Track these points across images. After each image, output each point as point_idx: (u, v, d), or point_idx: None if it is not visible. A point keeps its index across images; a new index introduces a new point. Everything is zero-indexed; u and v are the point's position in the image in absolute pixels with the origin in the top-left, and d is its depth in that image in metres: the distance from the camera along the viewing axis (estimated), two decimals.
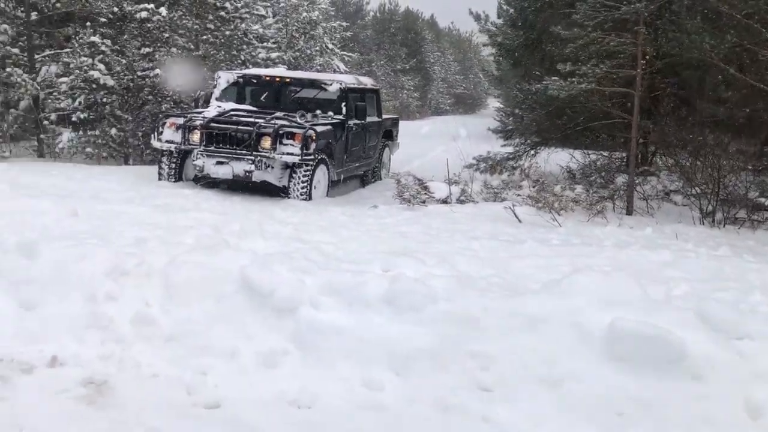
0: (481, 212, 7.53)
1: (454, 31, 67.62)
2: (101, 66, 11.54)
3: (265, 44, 15.00)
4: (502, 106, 51.50)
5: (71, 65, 11.67)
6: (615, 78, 8.31)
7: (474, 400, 3.27)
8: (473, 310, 3.64)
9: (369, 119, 10.95)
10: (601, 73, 7.96)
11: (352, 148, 10.45)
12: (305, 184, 8.92)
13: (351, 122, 10.21)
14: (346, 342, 3.64)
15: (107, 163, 12.17)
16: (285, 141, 8.82)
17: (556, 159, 12.61)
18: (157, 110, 12.05)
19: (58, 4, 12.32)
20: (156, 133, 9.31)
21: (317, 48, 20.17)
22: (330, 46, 22.84)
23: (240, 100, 10.41)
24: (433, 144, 21.07)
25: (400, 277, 3.80)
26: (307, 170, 8.94)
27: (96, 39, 11.52)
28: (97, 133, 11.62)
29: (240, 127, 8.86)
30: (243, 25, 12.99)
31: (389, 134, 12.55)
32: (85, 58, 11.48)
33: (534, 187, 10.75)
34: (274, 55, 14.15)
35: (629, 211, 8.44)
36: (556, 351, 3.46)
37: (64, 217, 5.74)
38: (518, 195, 8.37)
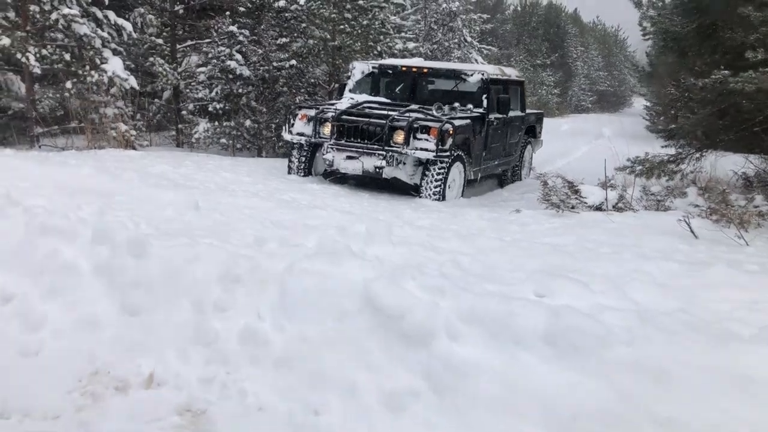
0: (646, 223, 6.47)
1: (599, 25, 64.44)
2: (238, 56, 11.45)
3: (402, 35, 14.44)
4: (649, 104, 48.45)
5: (209, 55, 11.68)
6: None
7: None
8: (662, 360, 2.78)
9: (511, 114, 10.07)
10: None
11: (492, 145, 9.62)
12: (439, 183, 8.22)
13: (492, 116, 9.39)
14: (490, 387, 2.90)
15: (241, 154, 12.11)
16: (419, 135, 8.17)
17: (725, 163, 11.10)
18: (291, 102, 11.80)
19: None
20: (287, 125, 8.97)
21: (456, 40, 19.42)
22: (468, 39, 22.03)
23: (374, 91, 9.89)
24: (576, 143, 19.73)
25: (563, 310, 2.99)
26: (442, 168, 8.23)
27: (234, 29, 11.44)
28: (232, 124, 11.55)
29: (372, 120, 8.30)
30: (381, 15, 12.50)
31: (532, 131, 11.58)
32: (223, 48, 11.43)
33: (703, 194, 9.46)
34: (411, 45, 13.54)
35: None
36: None
37: (186, 210, 5.40)
38: (695, 206, 7.15)
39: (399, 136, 8.19)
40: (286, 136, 9.00)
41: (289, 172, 9.10)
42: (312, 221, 5.56)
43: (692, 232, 5.79)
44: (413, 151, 8.09)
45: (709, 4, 9.32)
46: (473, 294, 3.42)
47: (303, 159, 9.01)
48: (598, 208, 7.74)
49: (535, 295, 3.73)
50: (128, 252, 4.00)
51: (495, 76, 9.51)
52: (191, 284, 3.74)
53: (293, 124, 8.92)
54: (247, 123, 11.66)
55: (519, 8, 46.84)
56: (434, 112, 8.58)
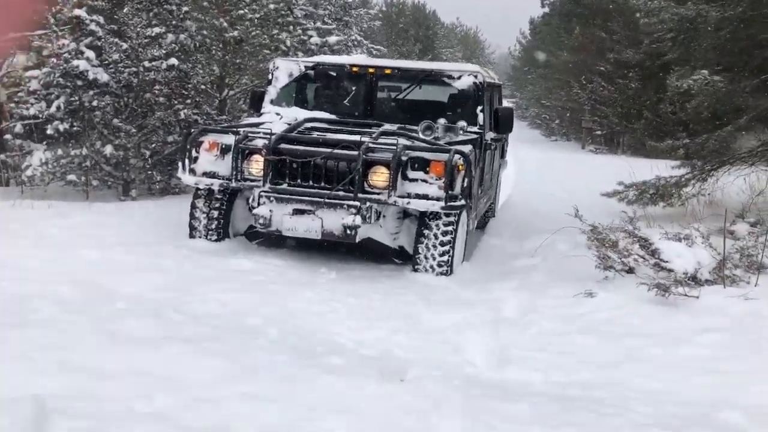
0: None
1: (458, 27, 64.24)
2: (90, 53, 7.78)
3: (318, 25, 11.19)
4: (512, 105, 48.18)
5: (44, 52, 7.88)
6: None
7: None
8: None
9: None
10: None
11: (485, 177, 6.78)
12: (446, 248, 5.23)
13: (488, 137, 6.54)
14: None
15: (99, 194, 8.40)
16: (411, 174, 5.15)
17: (729, 182, 9.07)
18: (172, 118, 8.25)
19: None
20: (186, 160, 5.56)
21: (353, 38, 16.46)
22: (358, 37, 19.16)
23: (303, 103, 6.71)
24: None
25: None
26: (449, 224, 5.25)
27: (82, 13, 7.73)
28: (84, 152, 7.84)
29: (335, 152, 5.15)
30: None
31: (501, 150, 8.88)
32: (67, 42, 7.71)
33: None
34: (332, 39, 10.37)
35: None
36: None
37: None
38: None
39: (380, 176, 5.11)
40: (187, 179, 5.57)
41: (192, 235, 5.69)
42: (331, 424, 2.38)
43: None
44: (406, 200, 5.05)
45: None
46: None
47: (215, 214, 5.64)
48: (694, 278, 5.12)
49: None
50: None
51: (489, 80, 6.64)
52: None
53: (196, 158, 5.56)
54: (108, 149, 7.98)
55: (384, 8, 44.81)
56: (421, 135, 5.58)
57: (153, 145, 8.40)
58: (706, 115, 10.54)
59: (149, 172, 8.42)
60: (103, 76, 7.92)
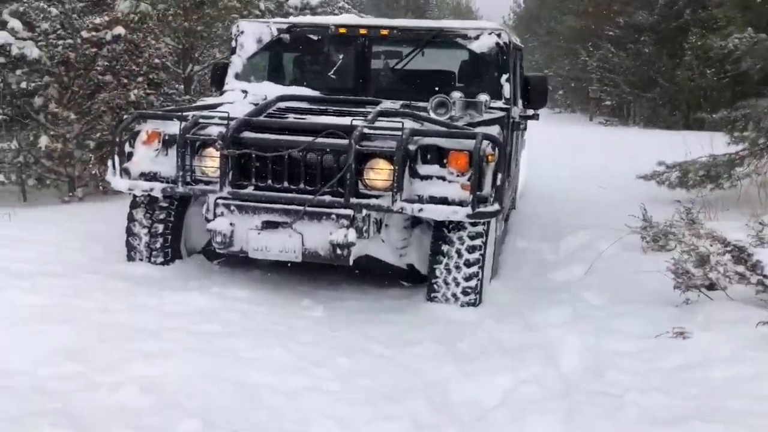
0: None
1: None
2: (15, 22, 6.29)
3: None
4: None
5: None
6: None
7: None
8: None
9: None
10: None
11: (511, 165, 5.36)
12: (474, 269, 3.83)
13: (516, 113, 5.12)
14: None
15: (36, 195, 6.95)
16: (422, 169, 3.75)
17: None
18: (123, 101, 6.75)
19: None
20: (117, 158, 4.12)
21: (339, 5, 14.88)
22: (346, 5, 17.59)
23: (278, 77, 5.23)
24: None
25: None
26: (478, 235, 3.85)
27: None
28: (14, 144, 6.40)
29: (318, 141, 3.71)
30: None
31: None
32: None
33: None
34: (314, 0, 8.82)
35: None
36: None
37: None
38: None
39: (380, 173, 3.71)
40: (117, 183, 4.11)
41: (130, 257, 4.27)
42: None
43: None
44: (417, 206, 3.65)
45: None
46: None
47: (160, 228, 4.21)
48: None
49: None
50: None
51: (515, 42, 5.19)
52: None
53: (131, 154, 4.13)
54: (43, 141, 6.53)
55: None
56: (433, 115, 4.14)
57: (101, 134, 6.89)
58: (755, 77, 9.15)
59: (97, 168, 6.93)
60: (33, 51, 6.40)
